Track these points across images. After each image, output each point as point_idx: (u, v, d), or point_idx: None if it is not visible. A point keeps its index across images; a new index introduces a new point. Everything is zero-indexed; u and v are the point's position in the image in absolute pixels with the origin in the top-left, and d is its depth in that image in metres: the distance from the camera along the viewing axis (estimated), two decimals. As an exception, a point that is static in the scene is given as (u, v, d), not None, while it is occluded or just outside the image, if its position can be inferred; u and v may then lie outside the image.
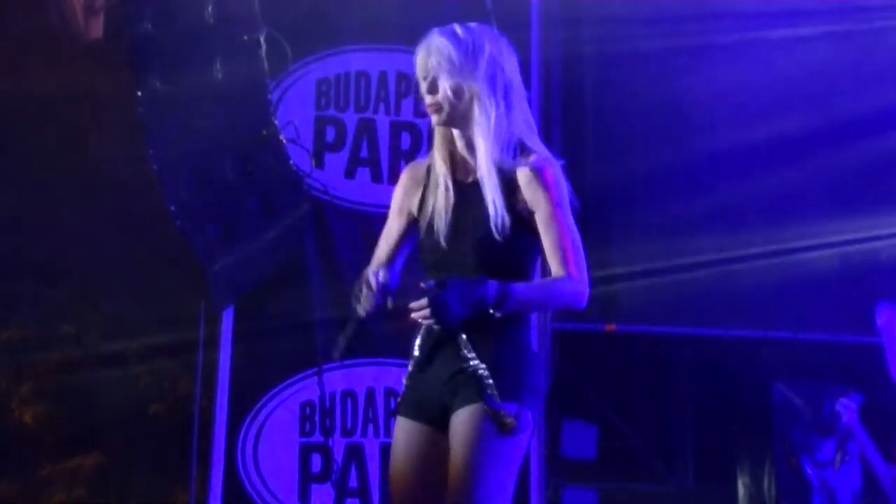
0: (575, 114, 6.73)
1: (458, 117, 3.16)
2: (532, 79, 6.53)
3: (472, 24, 3.26)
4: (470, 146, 3.19)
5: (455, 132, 3.22)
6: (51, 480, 7.30)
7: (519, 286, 3.08)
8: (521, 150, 3.22)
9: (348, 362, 6.04)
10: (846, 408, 5.82)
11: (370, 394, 6.07)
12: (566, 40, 6.73)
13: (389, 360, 6.04)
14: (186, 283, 6.14)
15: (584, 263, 3.15)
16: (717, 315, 6.51)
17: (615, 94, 6.72)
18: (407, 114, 6.36)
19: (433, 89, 3.16)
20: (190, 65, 5.56)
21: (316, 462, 6.02)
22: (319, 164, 6.21)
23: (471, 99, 3.13)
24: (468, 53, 3.15)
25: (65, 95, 6.87)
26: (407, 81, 6.39)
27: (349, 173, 6.25)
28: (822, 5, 6.73)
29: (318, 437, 6.04)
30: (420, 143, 6.37)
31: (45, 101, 6.86)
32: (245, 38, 5.57)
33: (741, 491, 6.74)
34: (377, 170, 6.30)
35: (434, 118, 3.20)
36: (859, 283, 6.54)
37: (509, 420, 3.04)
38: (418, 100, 6.39)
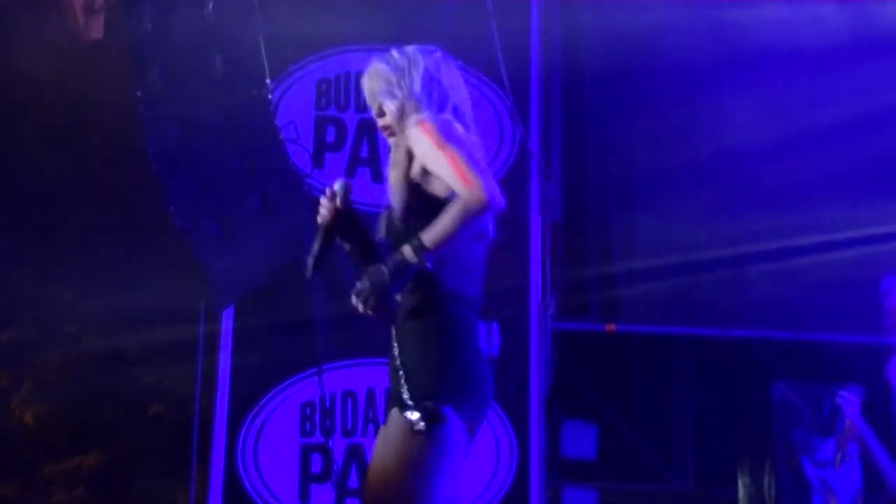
0: (575, 114, 6.74)
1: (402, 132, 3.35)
2: (532, 79, 6.54)
3: (409, 47, 3.44)
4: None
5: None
6: (51, 480, 7.31)
7: (424, 231, 3.15)
8: None
9: (349, 362, 6.05)
10: (847, 401, 5.81)
11: (370, 394, 6.08)
12: (566, 40, 6.73)
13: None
14: (186, 284, 6.15)
15: (468, 172, 3.13)
16: (717, 315, 6.51)
17: (615, 93, 6.73)
18: (407, 114, 6.36)
19: (381, 113, 3.41)
20: (190, 65, 5.56)
21: (316, 462, 6.02)
22: (319, 163, 6.21)
23: (408, 115, 3.33)
24: (403, 73, 3.36)
25: (65, 95, 6.87)
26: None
27: (349, 173, 6.26)
28: (822, 5, 6.73)
29: (318, 438, 6.04)
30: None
31: (45, 101, 6.87)
32: (245, 38, 5.57)
33: (741, 491, 6.73)
34: (377, 170, 6.30)
35: (389, 140, 3.41)
36: (860, 283, 6.53)
37: (415, 418, 3.11)
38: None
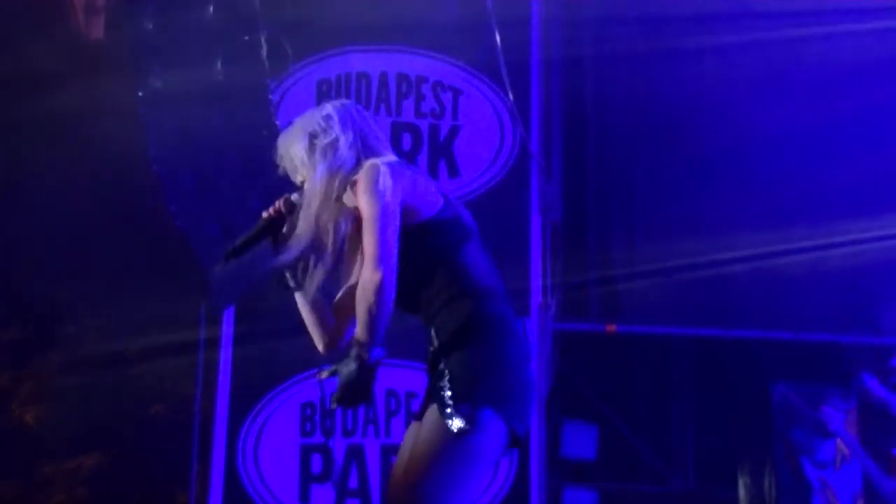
0: (575, 114, 6.74)
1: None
2: (532, 79, 6.54)
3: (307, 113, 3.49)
4: None
5: None
6: (51, 480, 7.30)
7: (355, 332, 3.18)
8: None
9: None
10: (830, 417, 5.82)
11: (370, 395, 6.08)
12: (566, 40, 6.73)
13: (390, 362, 6.03)
14: (187, 284, 6.14)
15: (376, 255, 3.15)
16: (717, 316, 6.51)
17: (615, 94, 6.73)
18: (408, 114, 6.37)
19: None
20: (190, 65, 5.56)
21: (316, 462, 6.02)
22: (320, 164, 6.20)
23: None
24: (307, 152, 3.40)
25: (65, 95, 6.86)
26: (407, 82, 6.39)
27: (350, 173, 6.26)
28: (821, 5, 6.73)
29: (318, 438, 6.04)
30: (420, 144, 6.38)
31: (45, 102, 6.86)
32: (246, 38, 5.57)
33: (741, 491, 6.73)
34: (378, 170, 6.30)
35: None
36: (860, 284, 6.54)
37: (457, 422, 3.10)
38: (418, 99, 6.44)
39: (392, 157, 3.37)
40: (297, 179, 3.45)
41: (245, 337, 6.09)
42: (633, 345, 6.69)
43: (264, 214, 3.41)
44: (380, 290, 3.11)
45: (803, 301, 6.54)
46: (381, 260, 3.12)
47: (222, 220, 5.70)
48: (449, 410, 3.12)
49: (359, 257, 3.30)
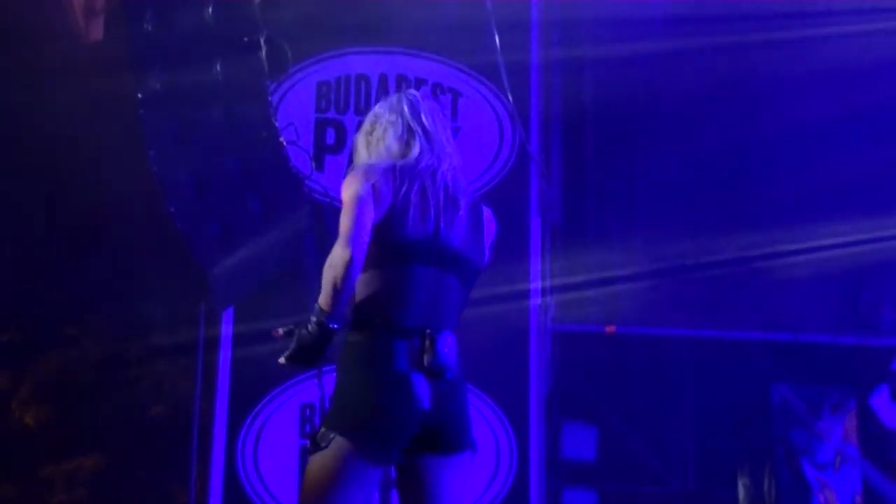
0: (574, 115, 6.74)
1: None
2: (531, 81, 6.54)
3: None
4: None
5: None
6: (51, 481, 7.30)
7: (315, 308, 3.36)
8: None
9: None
10: (830, 429, 5.83)
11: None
12: (566, 42, 6.73)
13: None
14: (186, 285, 6.14)
15: (349, 234, 3.33)
16: (717, 317, 6.51)
17: (615, 94, 6.73)
18: (407, 116, 6.37)
19: None
20: (190, 65, 5.55)
21: (316, 464, 6.01)
22: (319, 166, 6.22)
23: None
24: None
25: (65, 96, 6.87)
26: (407, 84, 6.40)
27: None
28: (820, 6, 6.74)
29: (317, 439, 6.04)
30: (420, 145, 6.38)
31: (45, 102, 6.86)
32: (245, 39, 5.57)
33: (741, 492, 6.73)
34: (377, 171, 6.30)
35: None
36: (860, 285, 6.54)
37: (312, 445, 3.32)
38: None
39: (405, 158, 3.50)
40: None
41: (244, 338, 6.09)
42: (632, 346, 6.70)
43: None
44: (347, 266, 3.26)
45: (803, 302, 6.54)
46: (352, 239, 3.29)
47: (221, 221, 5.71)
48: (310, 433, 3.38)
49: None
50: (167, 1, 5.54)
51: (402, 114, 3.55)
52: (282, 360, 3.41)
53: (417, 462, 3.37)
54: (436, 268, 3.40)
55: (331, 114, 6.37)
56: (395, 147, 3.50)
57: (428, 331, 3.33)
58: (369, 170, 3.41)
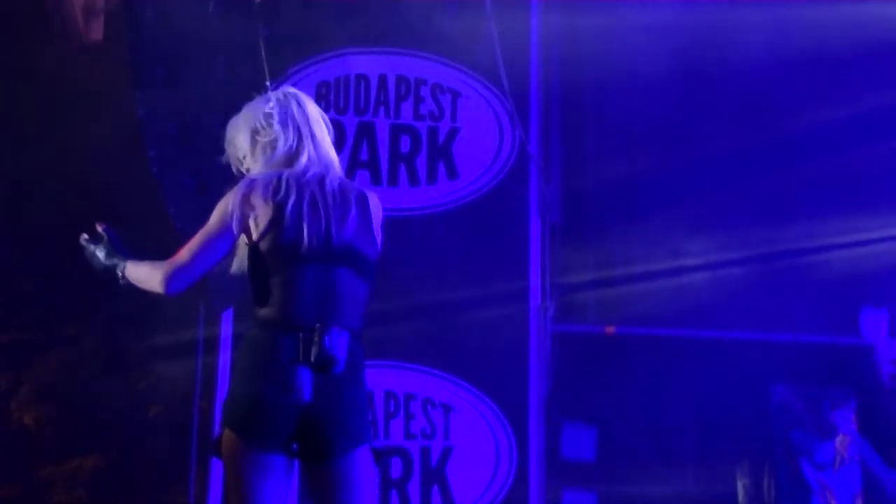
0: (575, 115, 6.74)
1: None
2: (532, 81, 6.54)
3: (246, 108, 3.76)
4: None
5: None
6: (51, 481, 7.30)
7: (128, 268, 3.69)
8: None
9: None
10: (843, 419, 5.83)
11: (368, 396, 6.07)
12: (566, 43, 6.73)
13: (389, 363, 6.04)
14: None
15: (187, 255, 3.57)
16: (716, 317, 6.51)
17: (615, 95, 6.72)
18: (406, 117, 6.37)
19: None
20: (190, 66, 5.56)
21: (315, 464, 6.01)
22: (319, 166, 6.20)
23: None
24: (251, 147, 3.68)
25: (65, 96, 6.87)
26: (406, 84, 6.39)
27: (349, 176, 6.25)
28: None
29: (317, 440, 6.04)
30: (420, 146, 6.38)
31: (45, 102, 6.86)
32: (245, 40, 5.57)
33: (741, 493, 6.73)
34: (377, 172, 6.31)
35: None
36: (859, 285, 6.54)
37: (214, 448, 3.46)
38: (417, 102, 6.44)
39: (305, 158, 3.59)
40: (240, 168, 3.68)
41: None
42: (632, 346, 6.69)
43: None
44: (162, 283, 3.54)
45: (803, 302, 6.54)
46: (194, 261, 3.58)
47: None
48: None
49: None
50: (167, 1, 5.54)
51: (293, 119, 3.64)
52: (85, 243, 3.78)
53: (316, 461, 3.41)
54: (327, 265, 3.45)
55: (330, 114, 6.31)
56: (282, 157, 3.58)
57: (317, 326, 3.37)
58: (251, 185, 3.50)
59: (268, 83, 5.70)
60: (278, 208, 3.43)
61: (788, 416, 6.64)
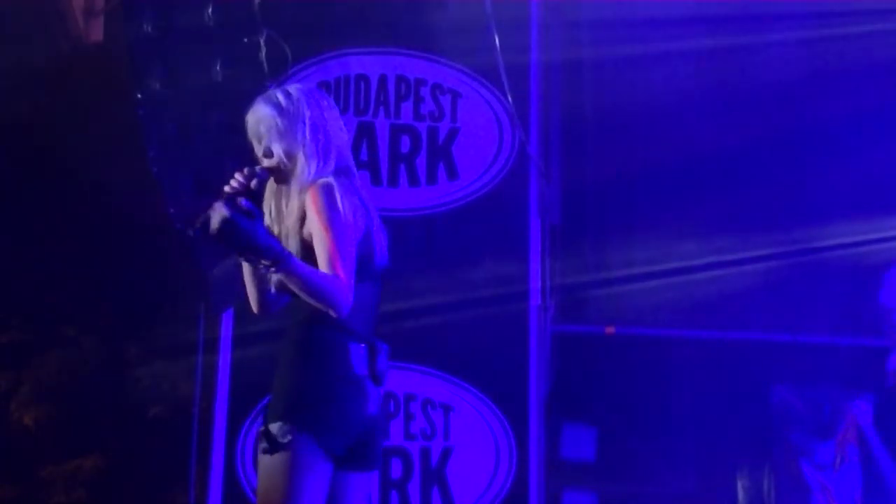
0: (574, 116, 6.74)
1: (289, 174, 3.44)
2: (532, 81, 6.54)
3: (293, 89, 3.53)
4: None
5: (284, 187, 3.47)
6: (50, 482, 7.30)
7: (297, 259, 3.26)
8: None
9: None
10: (861, 411, 5.82)
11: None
12: (565, 43, 6.73)
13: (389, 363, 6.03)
14: (186, 286, 6.14)
15: (350, 273, 3.28)
16: (716, 317, 6.51)
17: (614, 96, 6.73)
18: (406, 117, 6.37)
19: (269, 154, 3.46)
20: (190, 66, 5.56)
21: (315, 464, 6.01)
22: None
23: (298, 159, 3.43)
24: (292, 120, 3.45)
25: (65, 96, 6.87)
26: (406, 84, 6.40)
27: (349, 176, 6.26)
28: (823, 7, 6.73)
29: (317, 440, 6.04)
30: (419, 147, 6.38)
31: (45, 102, 6.86)
32: (245, 40, 5.57)
33: (741, 493, 6.73)
34: (376, 173, 6.31)
35: (272, 177, 3.46)
36: (859, 285, 6.53)
37: (262, 443, 3.28)
38: (417, 102, 6.44)
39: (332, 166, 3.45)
40: (262, 151, 3.49)
41: (244, 338, 6.08)
42: (632, 347, 6.69)
43: (227, 189, 3.38)
44: (338, 302, 3.24)
45: (802, 303, 6.54)
46: (346, 285, 3.24)
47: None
48: (262, 430, 3.31)
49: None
50: (167, 1, 5.54)
51: (340, 122, 3.55)
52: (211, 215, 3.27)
53: (356, 470, 3.41)
54: (378, 281, 3.47)
55: (330, 114, 6.36)
56: (340, 166, 3.47)
57: (373, 340, 3.41)
58: (345, 192, 3.37)
59: (268, 83, 5.71)
60: (364, 219, 3.40)
61: (788, 416, 6.64)
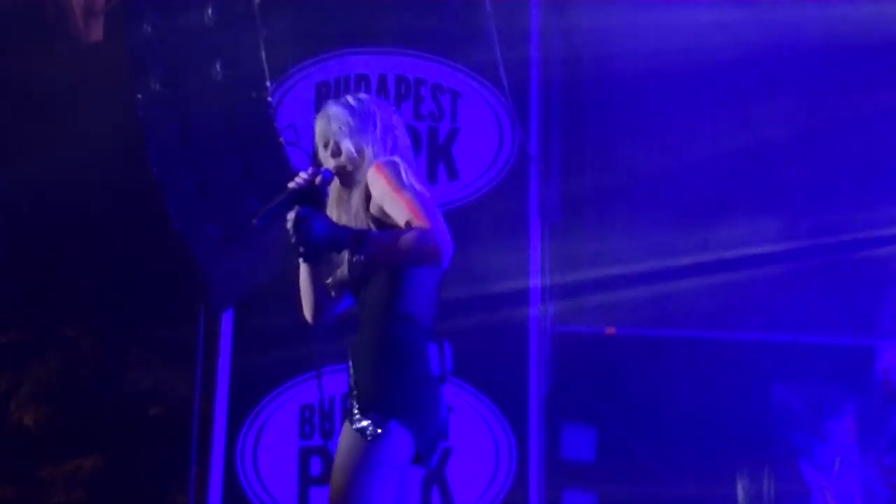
0: (574, 116, 6.75)
1: (354, 174, 3.47)
2: (532, 81, 6.54)
3: (363, 96, 3.61)
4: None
5: (348, 191, 3.49)
6: (50, 482, 7.31)
7: (374, 232, 3.30)
8: None
9: (348, 365, 6.05)
10: (834, 431, 5.83)
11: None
12: (565, 43, 6.74)
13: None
14: (186, 285, 6.14)
15: (438, 220, 3.28)
16: (716, 318, 6.51)
17: (615, 96, 6.73)
18: (406, 117, 6.37)
19: (337, 153, 3.47)
20: (190, 66, 5.56)
21: (315, 465, 6.02)
22: (319, 166, 6.20)
23: (366, 155, 3.46)
24: (364, 119, 3.49)
25: (65, 96, 6.87)
26: (406, 84, 6.40)
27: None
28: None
29: (317, 440, 6.05)
30: (419, 147, 6.38)
31: (45, 103, 6.87)
32: (245, 40, 5.57)
33: (740, 494, 6.73)
34: (377, 172, 6.30)
35: (338, 179, 3.48)
36: (859, 285, 6.54)
37: (363, 426, 3.26)
38: (417, 102, 6.44)
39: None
40: (330, 150, 3.49)
41: (244, 339, 6.08)
42: (631, 347, 6.69)
43: (292, 185, 3.42)
44: (435, 249, 3.24)
45: (802, 303, 6.54)
46: (440, 227, 3.24)
47: (221, 223, 5.71)
48: (357, 419, 3.28)
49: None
50: (167, 1, 5.54)
51: (405, 129, 3.59)
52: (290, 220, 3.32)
53: (419, 466, 3.43)
54: (437, 277, 3.47)
55: (330, 114, 6.36)
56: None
57: (440, 338, 3.40)
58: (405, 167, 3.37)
59: (268, 84, 5.71)
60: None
61: (788, 416, 6.64)
